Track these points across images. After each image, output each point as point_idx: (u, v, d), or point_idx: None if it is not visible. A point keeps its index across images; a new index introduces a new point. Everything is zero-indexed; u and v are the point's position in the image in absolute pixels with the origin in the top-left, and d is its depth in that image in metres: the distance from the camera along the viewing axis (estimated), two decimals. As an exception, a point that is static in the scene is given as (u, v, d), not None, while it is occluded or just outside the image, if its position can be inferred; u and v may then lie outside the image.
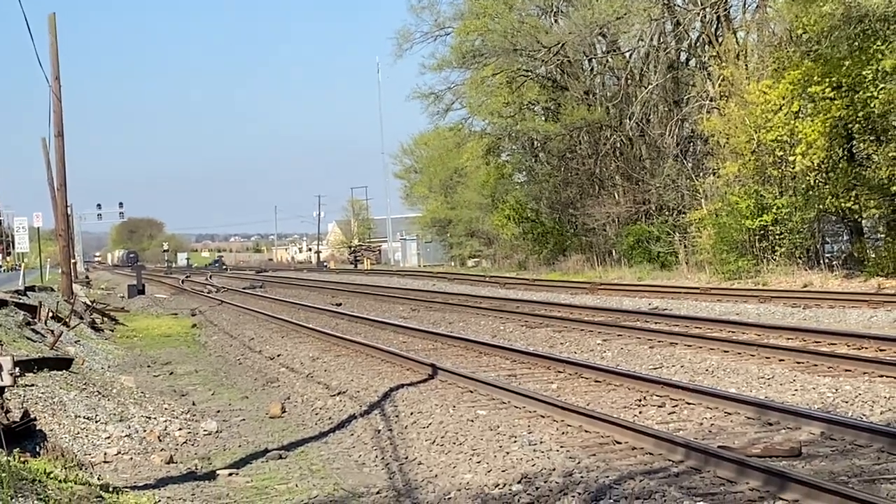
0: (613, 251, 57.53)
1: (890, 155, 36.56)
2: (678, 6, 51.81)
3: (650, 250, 52.44)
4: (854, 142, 39.89)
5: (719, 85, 45.49)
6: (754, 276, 40.60)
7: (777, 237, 41.27)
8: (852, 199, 38.21)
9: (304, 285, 63.83)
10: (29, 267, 79.16)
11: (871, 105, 35.05)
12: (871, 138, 38.27)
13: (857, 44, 36.54)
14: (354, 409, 16.73)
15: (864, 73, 34.98)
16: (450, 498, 11.23)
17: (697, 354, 20.56)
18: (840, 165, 38.85)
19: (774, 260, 41.18)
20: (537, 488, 10.91)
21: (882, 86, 34.61)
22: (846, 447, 11.95)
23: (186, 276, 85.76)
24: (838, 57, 36.93)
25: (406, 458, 13.33)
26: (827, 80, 37.04)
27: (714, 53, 47.62)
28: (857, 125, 37.71)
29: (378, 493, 11.80)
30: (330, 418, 16.60)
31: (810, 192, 39.73)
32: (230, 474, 12.94)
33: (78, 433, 14.55)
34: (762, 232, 41.64)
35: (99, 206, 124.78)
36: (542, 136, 64.84)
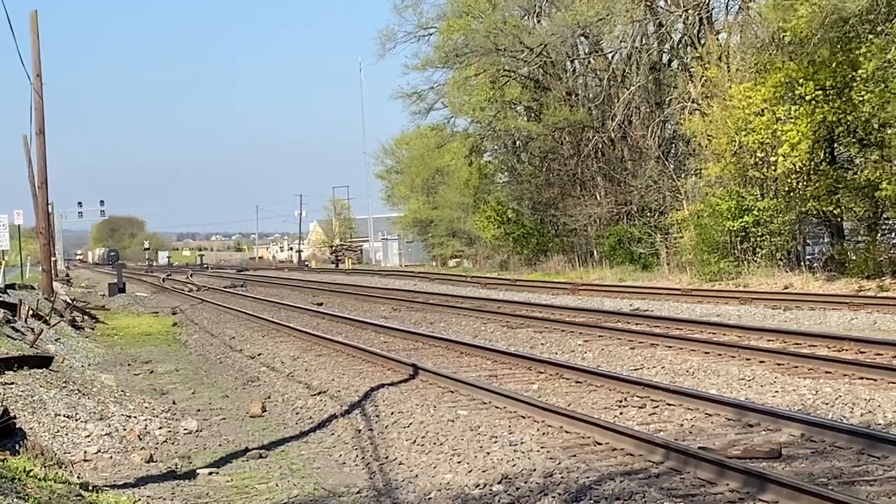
0: (595, 252, 57.59)
1: (872, 157, 36.67)
2: (660, 8, 51.89)
3: (632, 251, 52.53)
4: (836, 144, 40.00)
5: (701, 86, 45.56)
6: (735, 278, 40.68)
7: (758, 239, 41.37)
8: (834, 201, 38.31)
9: (286, 284, 63.73)
10: (9, 265, 78.82)
11: (862, 108, 35.11)
12: (854, 141, 38.38)
13: (839, 46, 36.69)
14: (335, 409, 16.71)
15: (855, 73, 35.04)
16: (430, 498, 11.24)
17: (678, 356, 20.59)
18: (822, 168, 38.93)
19: (755, 261, 41.27)
20: (518, 488, 10.92)
21: (865, 89, 34.70)
22: (826, 449, 11.99)
23: (167, 275, 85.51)
24: (821, 60, 37.05)
25: (387, 457, 13.33)
26: (811, 82, 37.10)
27: (696, 55, 47.67)
28: (840, 128, 37.78)
29: (358, 492, 11.80)
30: (310, 418, 16.59)
31: (792, 194, 39.82)
32: (210, 473, 12.92)
33: (58, 432, 14.50)
34: (743, 233, 41.74)
35: (80, 203, 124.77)
36: (525, 137, 64.98)
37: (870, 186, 36.77)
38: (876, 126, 36.55)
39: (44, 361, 19.50)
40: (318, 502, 11.47)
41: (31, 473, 10.18)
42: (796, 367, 18.17)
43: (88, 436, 14.61)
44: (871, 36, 35.30)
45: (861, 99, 34.92)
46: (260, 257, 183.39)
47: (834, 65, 36.72)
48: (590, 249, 58.53)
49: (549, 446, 12.68)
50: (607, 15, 51.95)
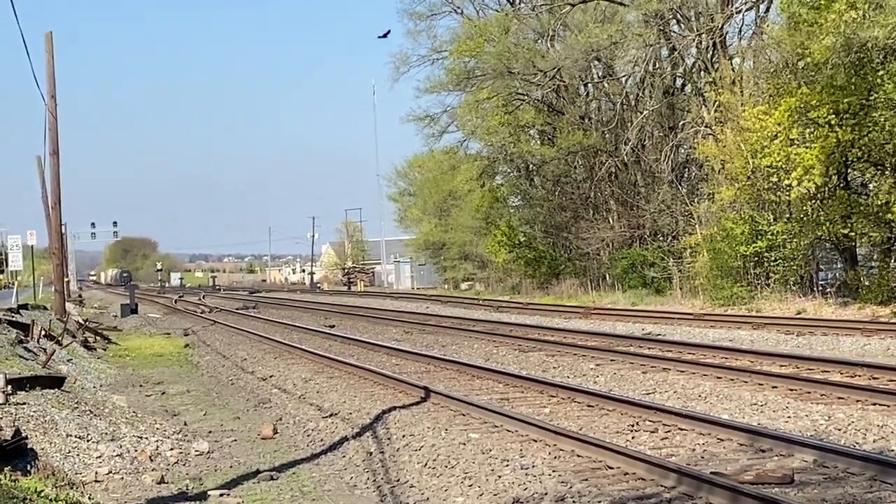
0: (607, 276, 57.53)
1: (887, 182, 36.56)
2: (674, 32, 51.98)
3: (644, 275, 52.46)
4: (849, 169, 39.92)
5: (715, 111, 45.56)
6: (748, 303, 40.58)
7: (772, 264, 41.26)
8: (848, 226, 38.20)
9: (298, 307, 63.77)
10: (22, 285, 79.04)
11: (878, 132, 35.03)
12: (869, 165, 38.27)
13: (854, 71, 36.65)
14: (346, 431, 16.69)
15: (872, 98, 34.98)
16: (441, 521, 11.21)
17: (690, 380, 20.54)
18: (836, 193, 38.85)
19: (769, 286, 41.16)
20: (529, 513, 10.90)
21: (882, 114, 34.63)
22: (838, 475, 11.94)
23: (179, 296, 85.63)
24: (837, 84, 37.00)
25: (398, 480, 13.30)
26: (826, 106, 37.01)
27: (710, 79, 47.73)
28: (856, 152, 37.64)
29: (369, 515, 11.79)
30: (322, 440, 16.57)
31: (805, 219, 39.73)
32: (221, 495, 12.90)
33: (69, 452, 14.50)
34: (757, 258, 41.65)
35: (93, 224, 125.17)
36: (538, 160, 64.99)
37: (884, 211, 36.67)
38: (890, 151, 36.47)
39: (56, 382, 19.53)
40: (328, 525, 11.45)
41: (43, 494, 10.18)
42: (809, 392, 18.13)
43: (100, 456, 14.61)
44: (887, 62, 35.29)
45: (878, 123, 34.84)
46: (265, 280, 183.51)
47: (849, 89, 36.66)
48: (602, 273, 58.47)
49: (561, 470, 12.65)
50: (620, 39, 52.09)
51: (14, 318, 32.49)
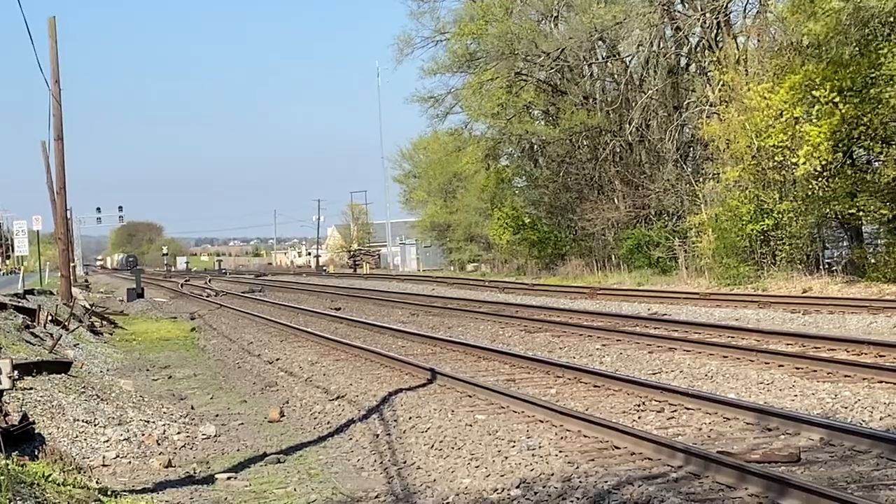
0: (613, 256, 57.47)
1: (894, 157, 36.39)
2: (678, 12, 51.80)
3: (650, 255, 52.37)
4: (855, 146, 39.77)
5: (719, 90, 45.43)
6: (754, 282, 40.51)
7: (778, 242, 41.17)
8: (854, 204, 38.05)
9: (304, 289, 63.78)
10: (28, 270, 79.19)
11: (888, 107, 34.89)
12: (875, 143, 38.09)
13: (858, 49, 36.51)
14: (353, 414, 16.71)
15: (876, 73, 34.85)
16: (448, 503, 11.21)
17: (696, 360, 20.53)
18: (843, 170, 38.70)
19: (775, 265, 41.09)
20: (536, 493, 10.89)
21: (887, 90, 34.50)
22: (845, 453, 11.93)
23: (186, 280, 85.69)
24: (842, 61, 36.84)
25: (404, 462, 13.31)
26: (830, 83, 36.85)
27: (714, 59, 47.56)
28: (861, 129, 37.45)
29: (376, 497, 11.79)
30: (328, 422, 16.59)
31: (811, 196, 39.58)
32: (228, 478, 12.93)
33: (76, 437, 14.53)
34: (763, 237, 41.56)
35: (98, 209, 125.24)
36: (541, 141, 64.86)
37: (891, 189, 36.54)
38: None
39: (63, 367, 19.54)
40: (336, 507, 11.46)
41: (50, 478, 10.19)
42: (815, 370, 18.11)
43: (107, 441, 14.64)
44: (893, 36, 35.14)
45: (882, 99, 34.70)
46: (271, 263, 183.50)
47: (853, 66, 36.50)
48: (608, 253, 58.39)
49: (568, 450, 12.65)
50: (624, 19, 51.96)
51: (20, 304, 32.50)
